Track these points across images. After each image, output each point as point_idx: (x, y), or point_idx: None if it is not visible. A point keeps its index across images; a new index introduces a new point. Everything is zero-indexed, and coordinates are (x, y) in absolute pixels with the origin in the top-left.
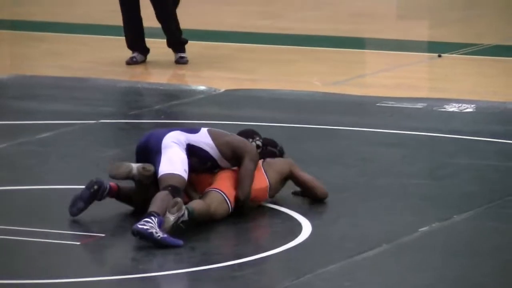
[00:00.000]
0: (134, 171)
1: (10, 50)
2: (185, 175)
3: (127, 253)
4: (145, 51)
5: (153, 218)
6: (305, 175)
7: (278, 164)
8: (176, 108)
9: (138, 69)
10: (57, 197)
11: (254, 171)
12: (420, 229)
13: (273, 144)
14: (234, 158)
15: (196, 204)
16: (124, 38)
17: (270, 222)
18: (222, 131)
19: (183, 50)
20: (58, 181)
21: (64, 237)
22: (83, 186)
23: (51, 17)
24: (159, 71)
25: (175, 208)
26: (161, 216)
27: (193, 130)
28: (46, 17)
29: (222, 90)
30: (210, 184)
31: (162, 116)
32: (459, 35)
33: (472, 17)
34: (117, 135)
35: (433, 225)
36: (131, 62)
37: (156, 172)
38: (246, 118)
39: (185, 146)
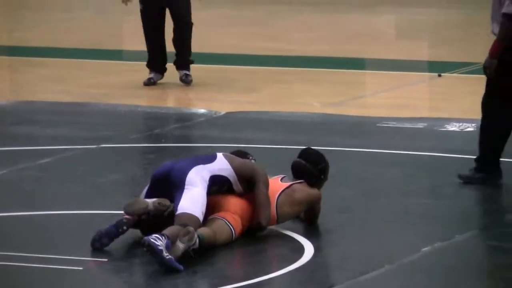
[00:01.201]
0: (150, 206)
1: (9, 76)
2: (201, 217)
3: (130, 278)
4: (162, 71)
5: (163, 238)
6: (317, 214)
7: (299, 200)
8: (176, 131)
9: (138, 92)
10: (59, 223)
11: (268, 193)
12: (422, 249)
13: (316, 162)
14: (247, 181)
15: (205, 231)
16: (122, 62)
17: (272, 244)
18: (236, 156)
19: (189, 69)
20: (59, 207)
21: (67, 263)
22: (85, 211)
23: (50, 42)
24: (159, 95)
25: (187, 237)
26: (170, 241)
27: (211, 158)
28: (44, 42)
29: (223, 112)
30: (216, 203)
31: (163, 140)
32: (459, 55)
33: (471, 36)
34: (118, 160)
35: (435, 245)
36: (148, 83)
37: (174, 206)
38: (247, 140)
39: (207, 182)
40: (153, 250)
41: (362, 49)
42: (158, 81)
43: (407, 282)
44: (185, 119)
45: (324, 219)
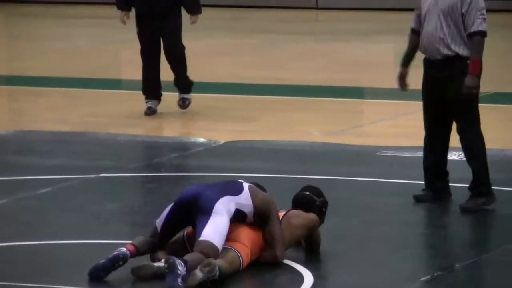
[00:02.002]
0: (158, 271)
1: (9, 105)
2: (221, 248)
3: None
4: (159, 97)
5: (185, 266)
6: (318, 241)
7: (297, 225)
8: (176, 161)
9: (137, 122)
10: (58, 252)
11: (278, 234)
12: (421, 279)
13: (317, 194)
14: (260, 214)
15: (222, 264)
16: (120, 92)
17: (271, 273)
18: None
19: (189, 91)
20: (58, 236)
21: None
22: (84, 241)
23: (49, 72)
24: (158, 124)
25: (207, 268)
26: (188, 271)
27: (239, 190)
28: (43, 72)
29: (222, 142)
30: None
31: (162, 169)
32: None
33: None
34: (117, 189)
35: (435, 274)
36: (149, 112)
37: (196, 231)
38: (246, 169)
39: (232, 214)
40: (172, 271)
41: (361, 77)
42: (157, 109)
43: None
44: (184, 149)
45: (323, 248)
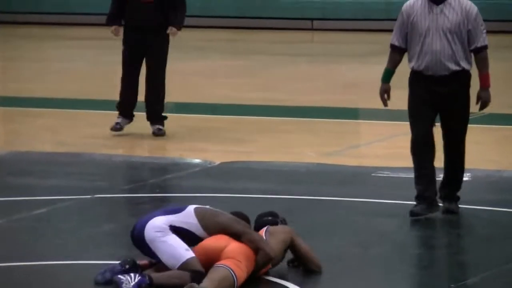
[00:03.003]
0: None
1: (5, 126)
2: (190, 253)
3: None
4: (131, 116)
5: (133, 275)
6: (304, 246)
7: (281, 233)
8: (171, 181)
9: (132, 143)
10: (53, 273)
11: (257, 237)
12: None
13: (275, 215)
14: (227, 234)
15: (209, 285)
16: (116, 113)
17: None
18: (212, 210)
19: (162, 123)
20: (54, 257)
21: None
22: (80, 262)
23: (45, 93)
24: (153, 145)
25: None
26: (146, 278)
27: (178, 210)
28: (40, 93)
29: (217, 162)
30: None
31: (157, 190)
32: None
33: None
34: (113, 210)
35: None
36: (115, 128)
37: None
38: (241, 190)
39: (168, 229)
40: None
41: (357, 99)
42: (150, 132)
43: None
44: (179, 169)
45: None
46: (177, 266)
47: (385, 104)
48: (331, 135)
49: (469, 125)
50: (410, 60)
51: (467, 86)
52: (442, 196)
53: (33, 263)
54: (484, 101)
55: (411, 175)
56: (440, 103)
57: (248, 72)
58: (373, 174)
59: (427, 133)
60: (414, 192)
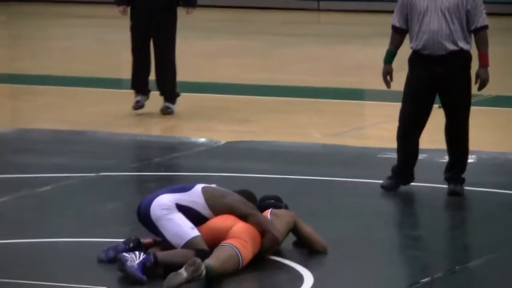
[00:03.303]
0: (186, 275)
1: (10, 104)
2: (195, 232)
3: None
4: (147, 92)
5: (138, 254)
6: (307, 228)
7: (285, 216)
8: (176, 160)
9: (137, 121)
10: (57, 251)
11: (265, 219)
12: (421, 281)
13: (278, 199)
14: (234, 215)
15: (214, 262)
16: (121, 91)
17: (271, 274)
18: (219, 189)
19: (174, 102)
20: (58, 235)
21: None
22: (84, 239)
23: (50, 70)
24: (159, 123)
25: (192, 268)
26: (151, 256)
27: (185, 188)
28: (45, 71)
29: (223, 142)
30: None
31: (162, 169)
32: None
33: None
34: (117, 188)
35: (435, 276)
36: (136, 107)
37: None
38: (246, 170)
39: (174, 207)
40: (121, 263)
41: (363, 79)
42: (156, 111)
43: None
44: (184, 148)
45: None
46: (181, 244)
47: (388, 86)
48: (337, 116)
49: (474, 108)
50: (410, 41)
51: (467, 67)
52: (447, 178)
53: (36, 240)
54: (482, 79)
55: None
56: (438, 83)
57: (254, 52)
58: (378, 155)
59: (416, 111)
60: (419, 174)
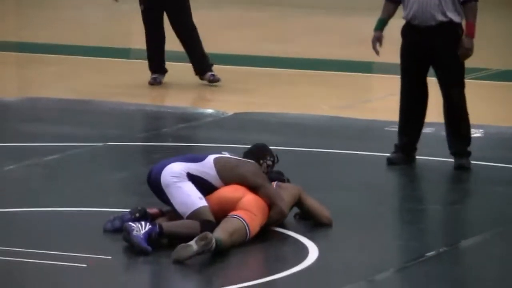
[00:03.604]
0: (196, 248)
1: (17, 72)
2: (203, 202)
3: (133, 276)
4: (163, 71)
5: (144, 224)
6: (312, 201)
7: (291, 188)
8: (184, 131)
9: (145, 92)
10: (63, 220)
11: (275, 193)
12: (426, 254)
13: (281, 173)
14: (245, 185)
15: (223, 235)
16: (130, 61)
17: (276, 246)
18: (231, 160)
19: (211, 70)
20: (64, 203)
21: (70, 259)
22: (90, 209)
23: (58, 39)
24: (167, 94)
25: (203, 242)
26: (156, 227)
27: (198, 158)
28: (53, 39)
29: (230, 113)
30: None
31: (170, 139)
32: (467, 60)
33: (478, 42)
34: (124, 158)
35: (440, 250)
36: (153, 82)
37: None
38: (253, 141)
39: (185, 176)
40: (127, 231)
41: (371, 52)
42: (167, 79)
43: (412, 287)
44: (192, 119)
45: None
46: (187, 214)
47: (377, 53)
48: (345, 89)
49: (482, 82)
50: (403, 11)
51: (458, 40)
52: (452, 152)
53: (42, 209)
54: (465, 48)
55: (424, 130)
56: (429, 55)
57: (262, 23)
58: (385, 128)
59: (414, 85)
60: (426, 147)
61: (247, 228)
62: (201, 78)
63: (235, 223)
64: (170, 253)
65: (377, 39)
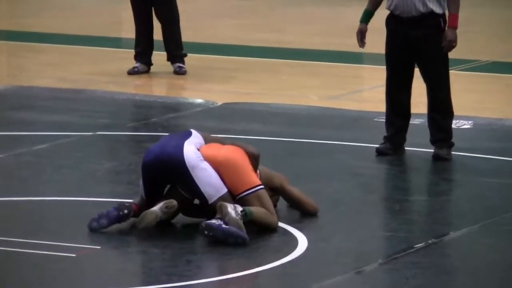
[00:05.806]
0: (160, 214)
1: (7, 61)
2: (225, 189)
3: (123, 265)
4: (149, 63)
5: (219, 220)
6: (296, 191)
7: (268, 171)
8: (173, 121)
9: (135, 81)
10: (53, 209)
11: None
12: (415, 246)
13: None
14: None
15: (255, 210)
16: (121, 50)
17: (265, 236)
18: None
19: (182, 61)
20: (54, 193)
21: (60, 249)
22: (80, 198)
23: (49, 28)
24: (157, 84)
25: (167, 209)
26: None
27: (188, 134)
28: (44, 28)
29: (220, 103)
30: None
31: (159, 129)
32: (456, 52)
33: (468, 34)
34: (114, 147)
35: (429, 241)
36: (132, 72)
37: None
38: (243, 131)
39: (200, 154)
40: (211, 228)
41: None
42: (156, 69)
43: (400, 278)
44: (182, 109)
45: (318, 212)
46: (216, 197)
47: (360, 45)
48: (334, 79)
49: (471, 73)
50: (386, 1)
51: (441, 31)
52: (432, 141)
53: (32, 198)
54: (448, 40)
55: (413, 121)
56: (412, 46)
57: (253, 13)
58: (375, 119)
59: (400, 74)
60: (415, 138)
61: (276, 223)
62: (171, 64)
63: (269, 215)
64: (159, 242)
65: (361, 32)
